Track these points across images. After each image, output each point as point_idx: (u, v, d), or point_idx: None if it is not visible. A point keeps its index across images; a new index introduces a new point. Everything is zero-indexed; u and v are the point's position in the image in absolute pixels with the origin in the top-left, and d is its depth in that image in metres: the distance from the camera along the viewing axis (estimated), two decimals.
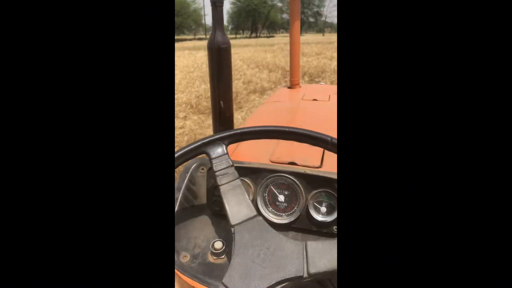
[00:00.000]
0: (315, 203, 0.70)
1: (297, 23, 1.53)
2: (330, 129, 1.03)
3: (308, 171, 0.70)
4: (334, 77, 7.39)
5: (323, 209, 0.69)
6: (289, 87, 1.73)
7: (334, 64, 8.95)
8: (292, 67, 1.67)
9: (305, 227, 0.70)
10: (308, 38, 28.49)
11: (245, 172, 0.73)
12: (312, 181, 0.69)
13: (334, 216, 0.68)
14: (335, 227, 0.68)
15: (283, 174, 0.70)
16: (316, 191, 0.69)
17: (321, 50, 14.04)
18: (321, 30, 49.84)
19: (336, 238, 0.52)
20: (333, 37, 30.78)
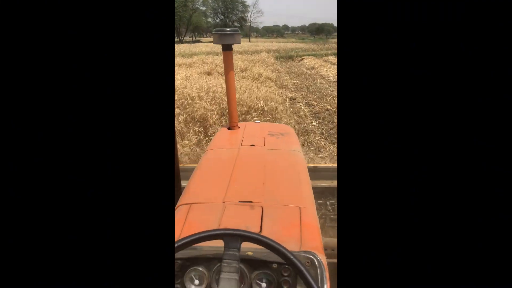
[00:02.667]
0: (257, 281, 0.78)
1: (232, 72, 1.69)
2: (267, 178, 1.14)
3: (250, 252, 0.78)
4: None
5: (264, 284, 0.78)
6: (229, 128, 1.82)
7: (262, 92, 6.03)
8: (230, 109, 1.79)
9: None
10: (234, 45, 29.06)
11: (199, 261, 0.79)
12: (254, 263, 0.78)
13: None
14: None
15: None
16: (257, 271, 0.78)
17: (247, 64, 11.08)
18: (247, 35, 51.92)
19: None
20: (260, 43, 31.20)
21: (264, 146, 1.50)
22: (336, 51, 18.96)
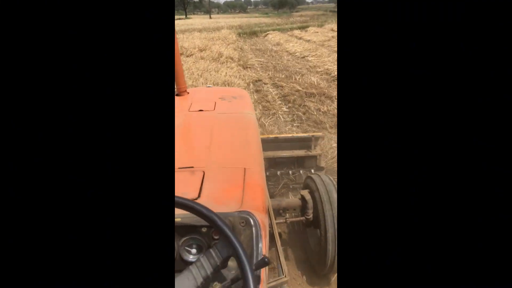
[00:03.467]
0: (186, 248, 0.74)
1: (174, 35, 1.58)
2: (213, 142, 1.07)
3: (178, 219, 0.72)
4: None
5: (194, 250, 0.74)
6: (177, 95, 1.67)
7: (222, 76, 5.67)
8: (176, 74, 1.61)
9: (182, 269, 0.72)
10: (195, 21, 26.20)
11: None
12: (181, 229, 0.73)
13: (203, 254, 0.73)
14: None
15: None
16: (185, 238, 0.73)
17: (206, 43, 9.75)
18: (207, 12, 49.45)
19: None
20: (221, 19, 27.70)
21: (213, 111, 1.42)
22: (301, 24, 18.11)
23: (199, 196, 0.84)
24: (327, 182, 1.52)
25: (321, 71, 6.60)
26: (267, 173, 2.14)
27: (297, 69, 6.91)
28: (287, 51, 9.93)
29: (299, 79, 5.90)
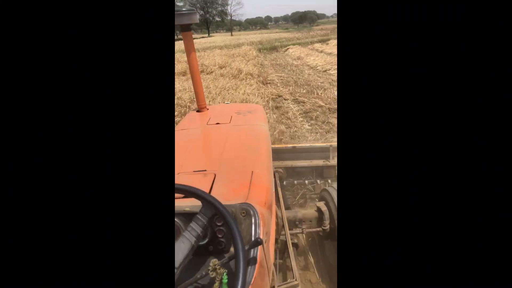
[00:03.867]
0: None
1: (193, 54, 1.65)
2: (226, 149, 1.20)
3: (187, 208, 0.77)
4: None
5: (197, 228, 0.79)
6: (197, 111, 1.82)
7: (241, 93, 5.37)
8: (196, 92, 1.76)
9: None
10: (217, 39, 26.85)
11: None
12: (190, 216, 0.76)
13: (206, 240, 0.79)
14: (210, 246, 0.81)
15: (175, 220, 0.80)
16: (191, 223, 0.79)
17: (226, 60, 9.77)
18: (229, 29, 50.66)
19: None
20: (242, 36, 28.98)
21: (229, 123, 1.51)
22: (321, 37, 17.81)
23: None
24: None
25: None
26: (284, 183, 2.17)
27: (319, 84, 6.65)
28: (308, 65, 9.71)
29: (321, 94, 5.63)
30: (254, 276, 0.68)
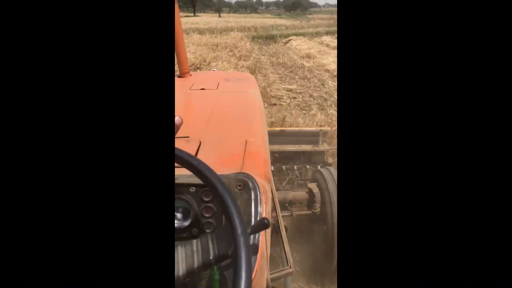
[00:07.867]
0: None
1: (177, 15, 1.49)
2: (213, 117, 1.06)
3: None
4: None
5: (179, 215, 0.64)
6: (179, 76, 1.63)
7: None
8: (178, 56, 1.58)
9: None
10: (202, 19, 22.34)
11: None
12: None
13: (190, 220, 0.64)
14: (194, 229, 0.65)
15: None
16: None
17: (207, 53, 6.75)
18: (218, 10, 46.21)
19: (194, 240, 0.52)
20: (231, 19, 23.78)
21: (216, 90, 1.38)
22: (328, 28, 14.51)
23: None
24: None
25: None
26: (272, 168, 2.03)
27: None
28: (326, 69, 6.74)
29: None
30: (255, 270, 0.56)
